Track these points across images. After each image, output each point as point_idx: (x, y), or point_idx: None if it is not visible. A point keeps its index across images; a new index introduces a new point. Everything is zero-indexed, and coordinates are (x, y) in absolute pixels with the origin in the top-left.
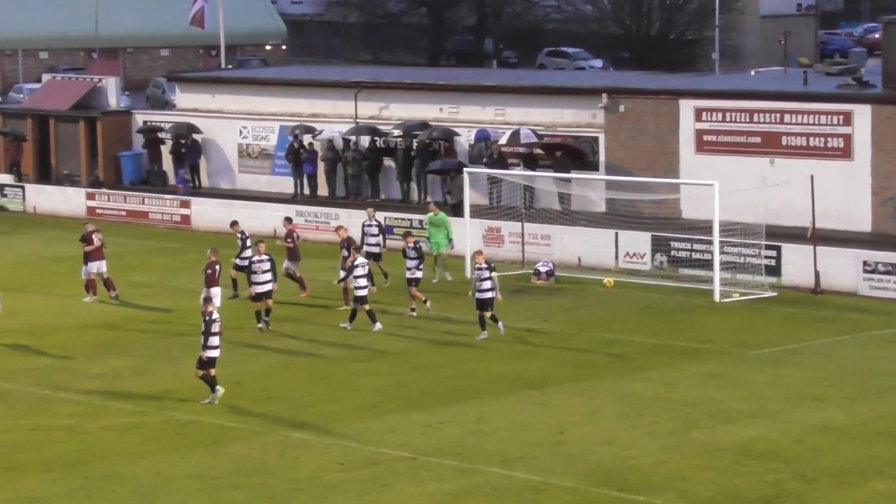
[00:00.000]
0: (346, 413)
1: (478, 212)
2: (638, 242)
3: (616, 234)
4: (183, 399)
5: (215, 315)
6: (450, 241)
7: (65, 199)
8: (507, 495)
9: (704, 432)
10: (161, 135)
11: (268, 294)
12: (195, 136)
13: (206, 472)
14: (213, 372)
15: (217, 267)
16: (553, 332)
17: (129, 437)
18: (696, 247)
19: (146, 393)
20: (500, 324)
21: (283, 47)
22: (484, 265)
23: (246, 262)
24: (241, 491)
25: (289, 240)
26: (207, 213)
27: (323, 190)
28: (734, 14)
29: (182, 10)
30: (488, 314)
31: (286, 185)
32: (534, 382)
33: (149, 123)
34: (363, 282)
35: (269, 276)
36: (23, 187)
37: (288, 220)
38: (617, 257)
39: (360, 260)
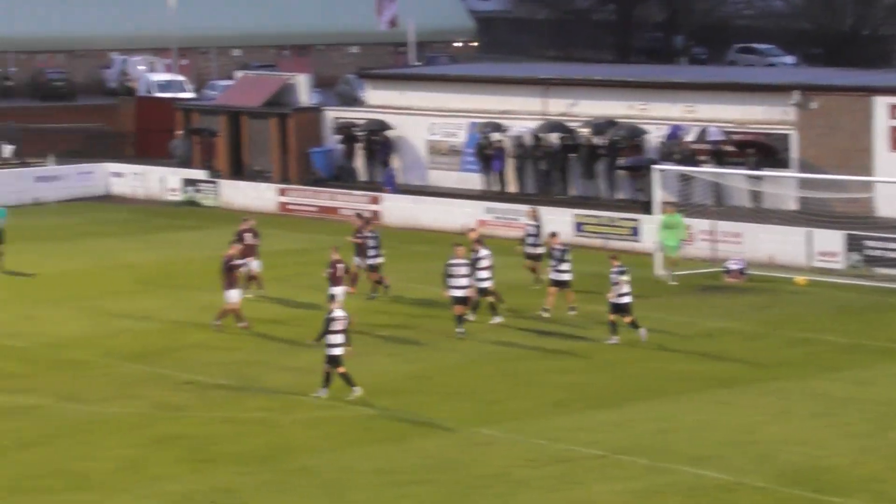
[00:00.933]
0: (533, 410)
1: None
2: (831, 241)
3: (809, 232)
4: (372, 394)
5: (335, 313)
6: (681, 242)
7: (257, 195)
8: (699, 494)
9: None
10: (355, 131)
11: (464, 300)
12: (386, 132)
13: (395, 467)
14: (341, 370)
15: (339, 266)
16: (743, 330)
17: (320, 431)
18: (891, 245)
19: (336, 387)
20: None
21: (473, 44)
22: (616, 268)
23: (377, 261)
24: (429, 486)
25: (358, 235)
26: (398, 209)
27: (512, 186)
28: None
29: (372, 8)
30: (627, 319)
31: (475, 181)
32: (723, 381)
33: (339, 120)
34: (486, 273)
35: (466, 280)
36: (216, 182)
37: (358, 216)
38: (810, 256)
39: (484, 252)
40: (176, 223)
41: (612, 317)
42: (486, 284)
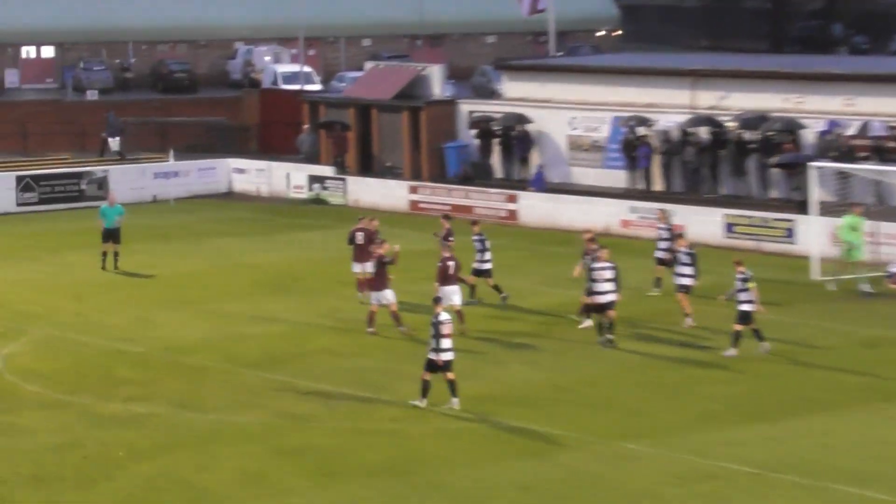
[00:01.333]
0: (682, 423)
1: (826, 209)
2: None
3: None
4: (509, 405)
5: (442, 316)
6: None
7: (387, 192)
8: None
9: None
10: (492, 125)
11: (609, 305)
12: (525, 127)
13: (535, 484)
14: (451, 375)
15: (450, 263)
16: None
17: (453, 443)
18: None
19: (471, 397)
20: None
21: (616, 33)
22: (740, 274)
23: (486, 266)
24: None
25: (451, 239)
26: (536, 209)
27: (658, 184)
28: None
29: None
30: (738, 327)
31: (618, 178)
32: (888, 394)
33: (475, 114)
34: (608, 286)
35: (611, 285)
36: (344, 180)
37: (446, 217)
38: None
39: (603, 260)
40: (301, 222)
41: (738, 327)
42: (605, 298)
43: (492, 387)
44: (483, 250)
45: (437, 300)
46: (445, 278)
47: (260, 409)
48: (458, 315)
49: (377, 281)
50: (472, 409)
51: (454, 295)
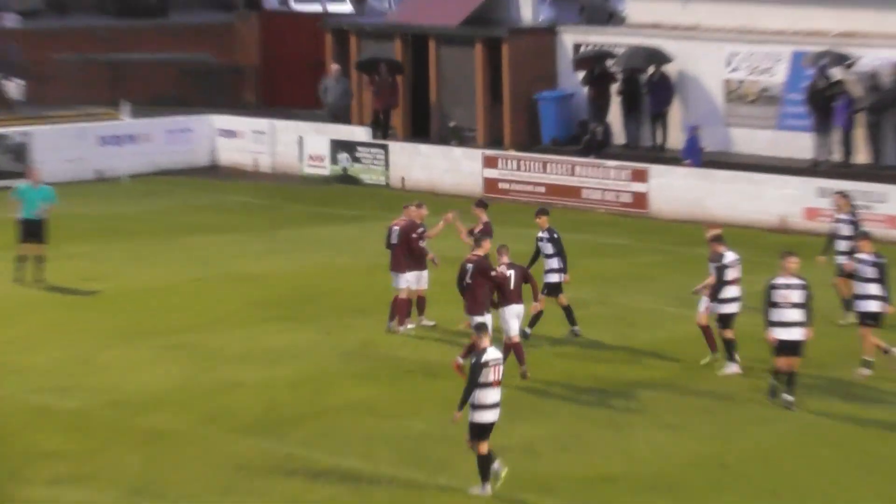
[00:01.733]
0: None
1: None
2: None
3: None
4: (637, 489)
5: (490, 354)
6: None
7: (449, 167)
8: None
9: None
10: (610, 66)
11: (795, 348)
12: (661, 68)
13: None
14: (484, 448)
15: (510, 273)
16: None
17: None
18: None
19: (577, 478)
20: None
21: None
22: None
23: (554, 278)
24: None
25: (475, 234)
26: (673, 189)
27: (862, 153)
28: None
29: None
30: None
31: (800, 145)
32: None
33: (584, 47)
34: (733, 291)
35: (799, 313)
36: (385, 147)
37: (482, 205)
38: None
39: (730, 257)
40: (321, 211)
41: None
42: (728, 309)
43: (609, 462)
44: (555, 254)
45: (481, 328)
46: (504, 296)
47: (254, 496)
48: (515, 351)
49: (474, 300)
50: (579, 494)
51: (514, 320)
